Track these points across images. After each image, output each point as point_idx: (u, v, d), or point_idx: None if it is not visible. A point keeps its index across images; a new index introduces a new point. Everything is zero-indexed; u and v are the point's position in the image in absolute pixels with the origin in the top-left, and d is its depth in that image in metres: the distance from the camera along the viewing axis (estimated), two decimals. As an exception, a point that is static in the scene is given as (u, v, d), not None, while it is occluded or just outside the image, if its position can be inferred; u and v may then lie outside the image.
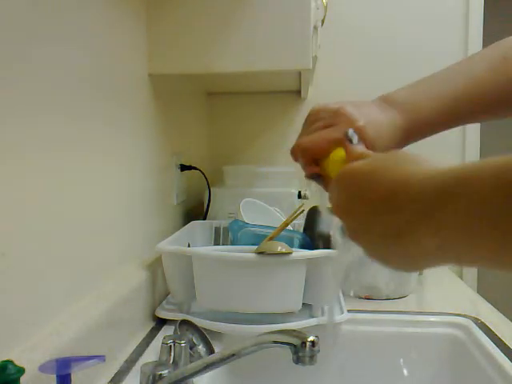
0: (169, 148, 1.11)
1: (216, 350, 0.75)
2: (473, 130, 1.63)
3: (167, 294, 0.95)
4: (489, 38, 1.68)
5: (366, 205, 0.35)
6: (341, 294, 0.98)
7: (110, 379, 0.66)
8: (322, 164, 0.47)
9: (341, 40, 1.60)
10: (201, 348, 0.75)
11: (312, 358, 0.49)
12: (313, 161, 0.48)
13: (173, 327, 0.77)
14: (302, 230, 1.03)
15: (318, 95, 1.60)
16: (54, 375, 0.47)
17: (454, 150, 1.65)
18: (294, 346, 0.49)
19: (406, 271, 0.37)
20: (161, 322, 0.87)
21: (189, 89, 1.38)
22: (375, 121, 0.47)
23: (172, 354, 0.64)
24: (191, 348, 0.72)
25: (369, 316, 0.93)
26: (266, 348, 0.51)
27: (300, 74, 1.16)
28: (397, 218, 0.33)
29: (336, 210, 0.39)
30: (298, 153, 0.49)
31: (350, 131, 0.43)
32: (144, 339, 0.80)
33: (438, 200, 0.30)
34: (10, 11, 0.51)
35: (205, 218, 1.23)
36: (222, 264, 0.80)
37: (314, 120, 0.50)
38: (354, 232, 0.38)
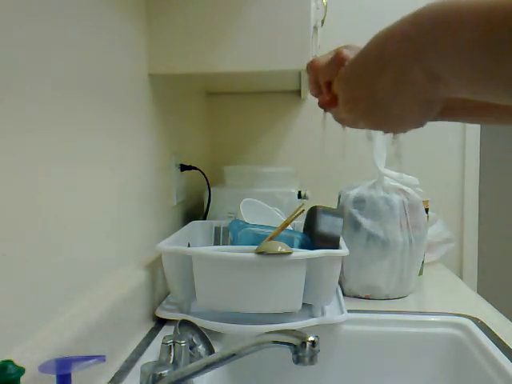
0: (169, 148, 1.11)
1: (216, 349, 0.75)
2: (473, 129, 1.64)
3: (167, 293, 0.95)
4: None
5: (362, 75, 0.39)
6: (341, 294, 0.98)
7: (110, 379, 0.66)
8: (333, 88, 0.46)
9: (341, 40, 1.60)
10: (201, 348, 0.75)
11: (312, 358, 0.49)
12: (325, 84, 0.47)
13: (173, 327, 0.77)
14: (302, 230, 1.03)
15: (317, 95, 1.60)
16: (54, 375, 0.47)
17: (454, 151, 1.65)
18: (294, 345, 0.49)
19: (412, 124, 0.40)
20: (161, 322, 0.87)
21: (189, 89, 1.38)
22: None
23: (172, 354, 0.64)
24: (191, 348, 0.72)
25: (369, 316, 0.93)
26: (265, 348, 0.51)
27: (300, 74, 1.16)
28: (391, 67, 0.36)
29: (343, 103, 0.42)
30: (309, 69, 0.48)
31: None
32: (144, 339, 0.80)
33: (423, 35, 0.33)
34: (10, 13, 0.51)
35: (205, 218, 1.23)
36: (222, 264, 0.80)
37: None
38: (362, 111, 0.41)
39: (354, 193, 1.07)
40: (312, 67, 0.48)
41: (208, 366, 0.53)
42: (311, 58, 0.49)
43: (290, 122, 1.65)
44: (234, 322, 0.80)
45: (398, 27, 0.36)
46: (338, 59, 0.44)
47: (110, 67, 0.78)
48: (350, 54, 0.43)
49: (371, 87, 0.39)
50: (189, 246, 1.01)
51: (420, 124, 0.40)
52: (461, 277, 1.63)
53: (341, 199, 1.11)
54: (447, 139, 1.64)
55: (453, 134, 1.64)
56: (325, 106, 0.47)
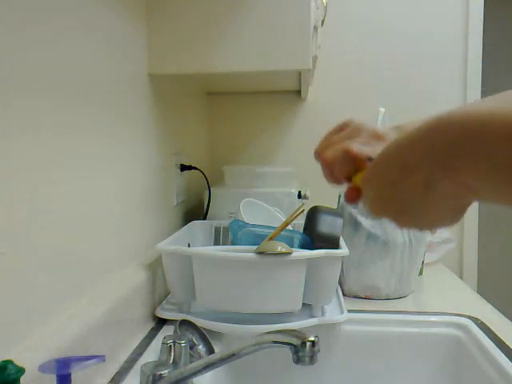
0: (169, 148, 1.11)
1: (216, 349, 0.75)
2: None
3: (167, 294, 0.95)
4: (488, 33, 1.68)
5: (389, 180, 0.38)
6: (341, 294, 0.98)
7: (110, 379, 0.66)
8: (354, 179, 0.47)
9: (341, 40, 1.60)
10: (201, 348, 0.75)
11: (312, 357, 0.49)
12: (346, 180, 0.46)
13: (173, 327, 0.77)
14: (302, 230, 1.03)
15: (317, 95, 1.60)
16: (54, 375, 0.47)
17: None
18: (294, 345, 0.49)
19: (440, 225, 0.40)
20: (161, 322, 0.87)
21: (189, 89, 1.38)
22: None
23: (172, 354, 0.64)
24: (191, 348, 0.72)
25: (369, 316, 0.93)
26: (265, 348, 0.51)
27: (300, 74, 1.16)
28: (417, 177, 0.35)
29: (371, 206, 0.41)
30: (321, 163, 0.49)
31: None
32: (144, 339, 0.80)
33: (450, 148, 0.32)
34: (11, 9, 0.51)
35: (205, 218, 1.23)
36: (222, 264, 0.80)
37: (347, 132, 0.47)
38: (392, 215, 0.40)
39: (354, 193, 1.06)
40: (323, 162, 0.48)
41: (208, 366, 0.53)
42: (316, 148, 0.49)
43: (289, 122, 1.65)
44: (234, 322, 0.80)
45: (420, 133, 0.34)
46: (349, 157, 0.43)
47: (109, 67, 0.78)
48: (359, 149, 0.43)
49: (398, 194, 0.38)
50: (189, 246, 1.01)
51: (452, 223, 0.39)
52: (461, 277, 1.63)
53: (341, 199, 1.11)
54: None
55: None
56: (353, 201, 0.47)
